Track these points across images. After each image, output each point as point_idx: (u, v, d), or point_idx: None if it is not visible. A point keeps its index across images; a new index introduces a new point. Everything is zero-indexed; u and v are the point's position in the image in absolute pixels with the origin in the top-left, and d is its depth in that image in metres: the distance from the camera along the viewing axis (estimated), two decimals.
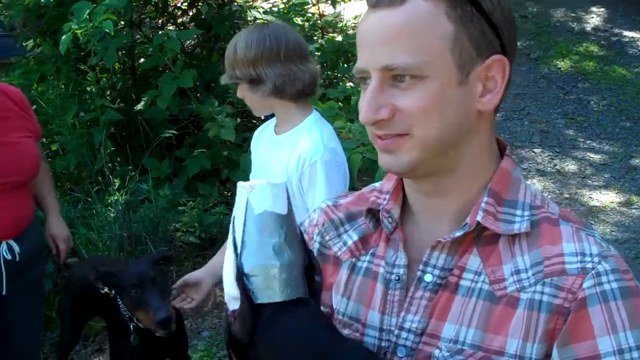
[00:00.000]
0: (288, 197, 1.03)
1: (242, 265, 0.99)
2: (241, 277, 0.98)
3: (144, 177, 4.93)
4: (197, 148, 5.39)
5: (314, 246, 1.22)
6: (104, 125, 5.02)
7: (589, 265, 0.98)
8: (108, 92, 5.89)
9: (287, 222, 1.01)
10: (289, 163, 2.25)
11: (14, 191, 2.74)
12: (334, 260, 1.20)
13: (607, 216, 5.40)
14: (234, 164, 5.31)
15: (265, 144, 2.46)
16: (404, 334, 1.08)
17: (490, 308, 1.01)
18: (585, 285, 0.96)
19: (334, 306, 1.17)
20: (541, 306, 0.98)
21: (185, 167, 5.33)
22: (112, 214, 4.59)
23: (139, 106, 5.31)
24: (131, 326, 2.79)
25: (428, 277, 1.07)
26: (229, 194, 5.44)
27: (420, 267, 1.07)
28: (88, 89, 5.54)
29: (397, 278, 1.10)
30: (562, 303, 0.97)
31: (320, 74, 2.40)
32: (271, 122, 2.47)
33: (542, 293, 0.98)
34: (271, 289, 0.98)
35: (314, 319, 0.99)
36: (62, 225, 3.12)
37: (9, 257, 2.76)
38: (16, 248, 2.79)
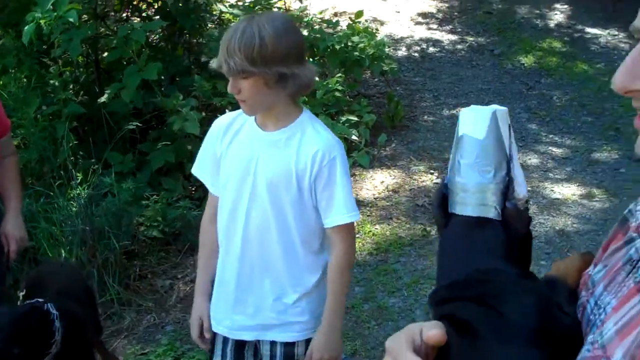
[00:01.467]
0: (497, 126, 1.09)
1: (448, 178, 1.11)
2: (443, 185, 1.11)
3: (107, 171, 4.89)
4: (161, 142, 5.36)
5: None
6: (66, 119, 4.97)
7: None
8: (71, 86, 5.82)
9: (487, 146, 1.08)
10: (298, 161, 2.22)
11: None
12: (625, 228, 1.02)
13: (569, 208, 5.47)
14: None
15: (245, 138, 2.33)
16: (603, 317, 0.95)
17: None
18: None
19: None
20: None
21: (149, 161, 5.30)
22: (74, 208, 4.54)
23: (103, 99, 5.27)
24: None
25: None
26: (193, 189, 5.42)
27: None
28: (51, 82, 5.49)
29: (633, 265, 0.94)
30: None
31: (316, 75, 2.36)
32: (238, 117, 2.34)
33: None
34: (459, 203, 1.09)
35: (487, 241, 1.06)
36: (18, 225, 3.01)
37: None
38: None
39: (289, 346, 2.40)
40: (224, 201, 2.37)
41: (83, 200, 4.56)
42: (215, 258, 2.45)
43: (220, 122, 2.40)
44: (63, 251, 4.30)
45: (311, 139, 2.23)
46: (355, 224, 2.39)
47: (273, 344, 2.41)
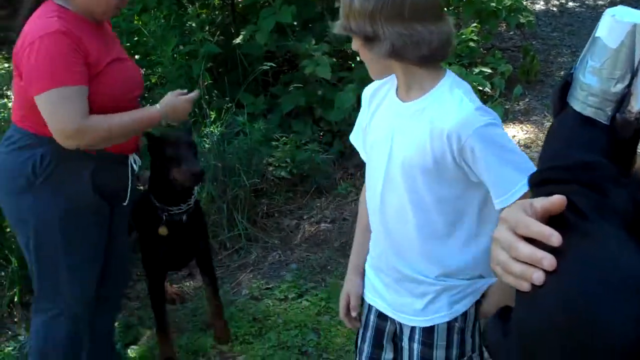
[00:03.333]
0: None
1: (574, 69, 1.14)
2: (569, 74, 1.15)
3: (240, 112, 4.98)
4: (292, 85, 5.41)
5: None
6: (202, 58, 5.08)
7: None
8: (207, 27, 5.94)
9: (616, 56, 1.09)
10: (432, 140, 1.95)
11: (137, 105, 2.88)
12: None
13: None
14: (328, 103, 5.31)
15: (385, 111, 2.13)
16: None
17: None
18: None
19: None
20: None
21: (280, 103, 5.37)
22: (207, 145, 4.66)
23: (237, 40, 5.35)
24: (163, 216, 3.25)
25: None
26: (322, 133, 5.46)
27: None
28: (188, 23, 5.62)
29: None
30: None
31: (454, 34, 2.03)
32: (386, 83, 2.14)
33: None
34: (577, 99, 1.12)
35: (592, 139, 1.11)
36: None
37: (136, 168, 2.91)
38: (138, 161, 2.94)
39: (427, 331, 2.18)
40: (366, 179, 2.24)
41: (216, 137, 4.67)
42: (369, 233, 2.29)
43: (365, 91, 2.22)
44: None
45: (444, 114, 1.95)
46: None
47: (411, 328, 2.21)
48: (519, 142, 5.51)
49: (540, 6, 8.46)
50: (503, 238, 1.03)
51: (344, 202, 4.93)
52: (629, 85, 1.09)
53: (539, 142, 5.56)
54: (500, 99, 5.70)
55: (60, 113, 2.61)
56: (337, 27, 1.98)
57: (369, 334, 2.30)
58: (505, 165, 1.93)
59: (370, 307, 2.29)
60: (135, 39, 5.37)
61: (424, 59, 1.93)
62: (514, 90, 5.80)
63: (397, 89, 2.07)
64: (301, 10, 5.62)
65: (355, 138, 2.29)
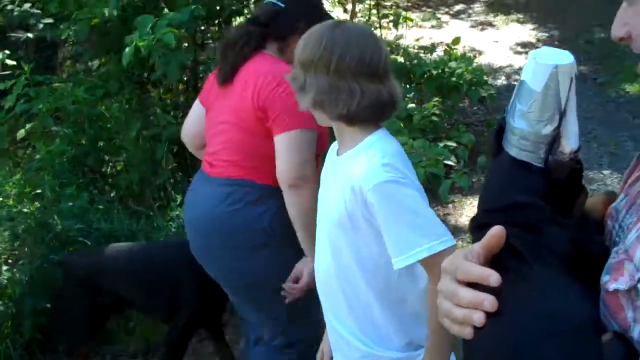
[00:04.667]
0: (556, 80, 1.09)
1: (506, 114, 1.15)
2: (502, 119, 1.16)
3: None
4: None
5: None
6: (165, 141, 5.05)
7: None
8: (172, 113, 5.93)
9: (542, 99, 1.09)
10: (344, 195, 1.93)
11: None
12: None
13: None
14: None
15: (326, 168, 2.16)
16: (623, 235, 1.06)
17: None
18: None
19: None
20: None
21: None
22: (173, 228, 4.58)
23: None
24: None
25: None
26: None
27: None
28: (152, 108, 5.61)
29: None
30: None
31: (397, 95, 2.00)
32: None
33: None
34: (510, 143, 1.13)
35: (529, 182, 1.12)
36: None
37: None
38: None
39: None
40: None
41: (182, 221, 4.59)
42: None
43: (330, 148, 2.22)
44: None
45: (354, 170, 1.92)
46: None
47: None
48: None
49: (501, 81, 8.60)
50: (445, 288, 1.03)
51: None
52: (559, 127, 1.09)
53: None
54: (465, 169, 5.72)
55: (300, 154, 2.53)
56: (288, 76, 2.02)
57: None
58: (404, 226, 1.87)
59: None
60: (99, 123, 5.34)
61: (343, 118, 1.93)
62: (478, 160, 5.84)
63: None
64: None
65: None
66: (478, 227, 1.13)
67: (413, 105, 5.99)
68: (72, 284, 3.69)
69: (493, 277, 0.96)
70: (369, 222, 1.92)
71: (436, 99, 6.23)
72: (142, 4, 5.07)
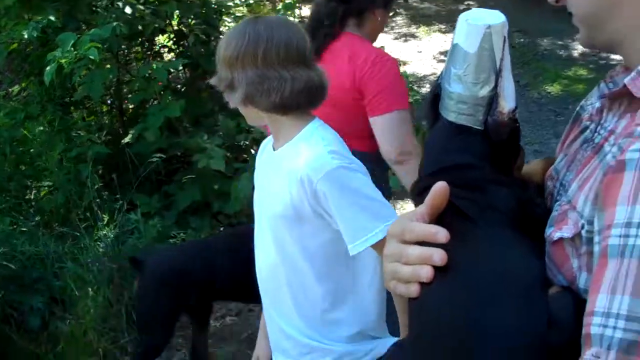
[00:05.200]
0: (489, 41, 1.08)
1: (440, 80, 1.14)
2: (437, 85, 1.15)
3: (134, 212, 4.84)
4: (186, 182, 5.31)
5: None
6: (90, 161, 4.95)
7: None
8: (97, 135, 5.83)
9: (477, 61, 1.08)
10: (290, 187, 1.90)
11: None
12: (579, 121, 1.17)
13: None
14: (225, 196, 5.23)
15: (262, 164, 2.13)
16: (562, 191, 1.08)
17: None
18: (631, 147, 0.85)
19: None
20: (602, 166, 0.94)
21: (176, 201, 5.26)
22: (101, 249, 4.49)
23: (127, 139, 5.26)
24: None
25: (593, 137, 1.07)
26: (221, 227, 5.35)
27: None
28: (75, 131, 5.50)
29: (590, 136, 1.08)
30: (610, 165, 0.89)
31: (326, 81, 1.99)
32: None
33: (610, 153, 0.93)
34: (447, 109, 1.11)
35: (467, 145, 1.10)
36: None
37: None
38: None
39: None
40: None
41: (110, 239, 4.51)
42: None
43: (261, 144, 2.21)
44: (90, 290, 4.23)
45: (299, 160, 1.89)
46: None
47: None
48: None
49: (426, 89, 8.70)
50: (391, 251, 1.01)
51: None
52: (495, 87, 1.08)
53: None
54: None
55: (399, 133, 2.74)
56: (213, 80, 1.98)
57: None
58: (358, 211, 1.86)
59: None
60: (20, 149, 5.22)
61: (277, 107, 1.91)
62: None
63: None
64: (191, 106, 5.59)
65: None
66: (420, 193, 1.12)
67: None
68: (155, 284, 3.63)
69: (441, 233, 0.95)
70: (316, 213, 1.90)
71: None
72: (62, 25, 4.99)
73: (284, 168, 1.95)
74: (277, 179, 1.98)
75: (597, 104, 1.09)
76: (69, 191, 4.90)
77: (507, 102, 1.09)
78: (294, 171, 1.89)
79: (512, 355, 0.89)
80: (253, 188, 2.18)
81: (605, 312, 0.78)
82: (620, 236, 0.80)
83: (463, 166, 1.10)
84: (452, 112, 1.11)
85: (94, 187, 4.83)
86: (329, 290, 1.99)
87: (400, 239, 0.99)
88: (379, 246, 1.85)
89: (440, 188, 0.99)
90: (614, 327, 0.77)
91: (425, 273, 0.94)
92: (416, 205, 1.11)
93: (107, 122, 6.09)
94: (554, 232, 1.00)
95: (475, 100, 1.08)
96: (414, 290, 0.96)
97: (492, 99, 1.08)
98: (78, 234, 4.59)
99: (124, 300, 4.26)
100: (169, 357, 4.23)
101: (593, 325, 0.79)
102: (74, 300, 4.20)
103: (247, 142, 5.61)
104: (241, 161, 5.62)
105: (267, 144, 2.16)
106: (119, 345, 4.21)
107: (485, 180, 1.08)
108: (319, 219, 1.92)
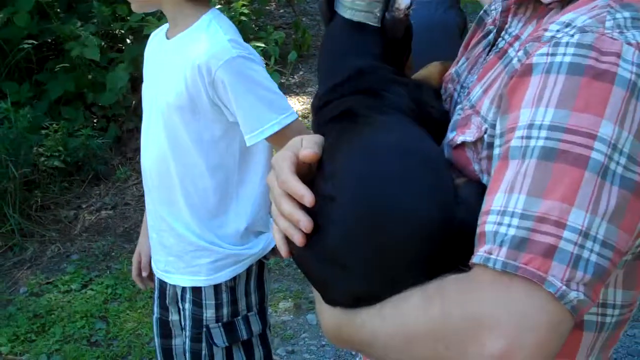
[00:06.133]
0: None
1: None
2: None
3: (3, 101, 4.62)
4: (59, 70, 5.10)
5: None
6: None
7: (559, 35, 0.85)
8: None
9: None
10: (185, 76, 1.85)
11: None
12: (482, 25, 1.16)
13: None
14: (99, 87, 5.07)
15: (153, 53, 2.06)
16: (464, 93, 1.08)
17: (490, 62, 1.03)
18: (539, 52, 0.85)
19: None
20: (507, 70, 0.93)
21: (47, 90, 5.05)
22: None
23: None
24: None
25: (497, 42, 1.06)
26: (95, 119, 5.20)
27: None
28: None
29: (492, 40, 1.08)
30: (516, 68, 0.90)
31: None
32: (165, 25, 2.06)
33: (516, 57, 0.93)
34: (344, 6, 1.10)
35: (365, 43, 1.10)
36: None
37: None
38: None
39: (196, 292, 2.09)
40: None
41: None
42: None
43: (151, 35, 2.14)
44: None
45: (197, 48, 1.86)
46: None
47: (182, 289, 2.11)
48: (297, 112, 5.56)
49: None
50: (271, 185, 1.00)
51: (124, 187, 4.74)
52: None
53: None
54: (276, 66, 5.72)
55: None
56: None
57: (155, 294, 2.22)
58: (255, 101, 1.87)
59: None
60: None
61: None
62: (289, 56, 5.86)
63: (167, 28, 2.00)
64: None
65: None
66: (322, 106, 1.10)
67: (220, 6, 5.85)
68: None
69: (307, 198, 0.93)
70: (213, 103, 1.88)
71: None
72: None
73: (180, 56, 1.90)
74: (170, 69, 1.92)
75: (500, 8, 1.07)
76: None
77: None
78: (191, 59, 1.84)
79: (423, 228, 0.89)
80: (135, 79, 2.12)
81: (501, 211, 0.80)
82: (522, 137, 0.82)
83: (360, 71, 1.07)
84: (348, 9, 1.09)
85: None
86: (219, 183, 1.99)
87: (280, 179, 0.97)
88: (274, 139, 1.89)
89: (307, 156, 0.98)
90: (508, 225, 0.78)
91: (298, 239, 0.94)
92: (314, 120, 1.11)
93: None
94: (456, 137, 1.00)
95: None
96: (297, 239, 0.94)
97: None
98: None
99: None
100: None
101: (488, 223, 0.81)
102: None
103: (123, 31, 5.39)
104: (116, 51, 5.42)
105: (157, 33, 2.09)
106: None
107: (382, 81, 1.07)
108: (215, 110, 1.90)
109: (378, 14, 1.08)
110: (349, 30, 1.10)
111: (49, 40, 5.46)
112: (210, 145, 1.95)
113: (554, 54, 0.83)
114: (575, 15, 0.87)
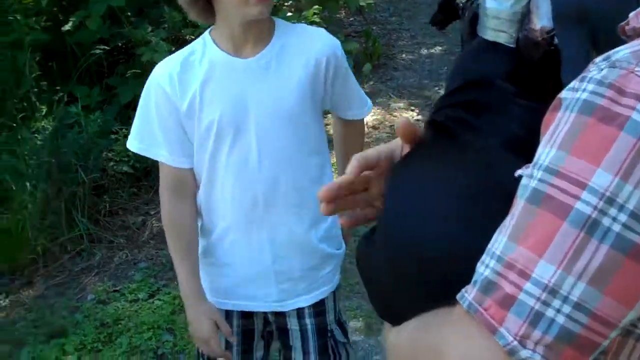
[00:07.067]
0: None
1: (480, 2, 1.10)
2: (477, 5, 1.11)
3: (73, 105, 4.62)
4: (129, 75, 5.09)
5: None
6: (28, 48, 4.67)
7: (591, 69, 0.75)
8: (34, 19, 5.51)
9: None
10: (307, 71, 1.86)
11: None
12: None
13: None
14: None
15: (224, 78, 1.88)
16: None
17: None
18: (568, 86, 0.76)
19: None
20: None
21: (117, 94, 5.04)
22: (39, 141, 4.29)
23: (67, 27, 4.97)
24: None
25: None
26: None
27: None
28: (12, 15, 5.18)
29: None
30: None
31: None
32: (189, 57, 1.98)
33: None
34: (485, 27, 1.08)
35: (493, 61, 1.06)
36: None
37: None
38: None
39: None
40: (216, 168, 1.94)
41: (48, 132, 4.30)
42: (197, 246, 2.04)
43: (163, 75, 2.03)
44: (28, 184, 4.06)
45: (310, 45, 1.90)
46: None
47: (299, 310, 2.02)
48: (367, 124, 5.47)
49: None
50: None
51: None
52: (528, 2, 1.05)
53: (386, 122, 5.55)
54: None
55: None
56: None
57: (235, 345, 2.07)
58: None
59: (227, 313, 2.05)
60: None
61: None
62: (363, 68, 5.78)
63: (219, 51, 1.89)
64: None
65: (145, 142, 2.03)
66: (435, 111, 1.09)
67: (291, 13, 5.81)
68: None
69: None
70: (325, 92, 2.00)
71: (316, 7, 6.07)
72: None
73: (288, 60, 1.88)
74: (288, 77, 1.88)
75: None
76: (4, 79, 4.63)
77: (540, 20, 1.05)
78: (310, 58, 1.89)
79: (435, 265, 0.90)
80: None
81: (488, 249, 0.75)
82: (527, 176, 0.75)
83: (474, 83, 1.06)
84: (489, 30, 1.08)
85: (32, 75, 4.58)
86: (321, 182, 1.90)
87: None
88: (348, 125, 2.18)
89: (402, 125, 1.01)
90: (486, 266, 0.74)
91: None
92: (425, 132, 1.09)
93: (46, 4, 5.75)
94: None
95: (508, 16, 1.05)
96: None
97: (525, 15, 1.05)
98: (14, 124, 4.37)
99: (62, 196, 4.11)
100: None
101: (479, 262, 0.76)
102: (10, 195, 4.03)
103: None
104: None
105: (184, 65, 1.99)
106: (59, 243, 4.08)
107: (500, 98, 1.03)
108: (321, 100, 1.97)
109: (513, 35, 1.06)
110: (484, 49, 1.09)
111: (120, 45, 5.47)
112: (314, 141, 2.00)
113: (577, 90, 0.74)
114: (624, 47, 0.75)
